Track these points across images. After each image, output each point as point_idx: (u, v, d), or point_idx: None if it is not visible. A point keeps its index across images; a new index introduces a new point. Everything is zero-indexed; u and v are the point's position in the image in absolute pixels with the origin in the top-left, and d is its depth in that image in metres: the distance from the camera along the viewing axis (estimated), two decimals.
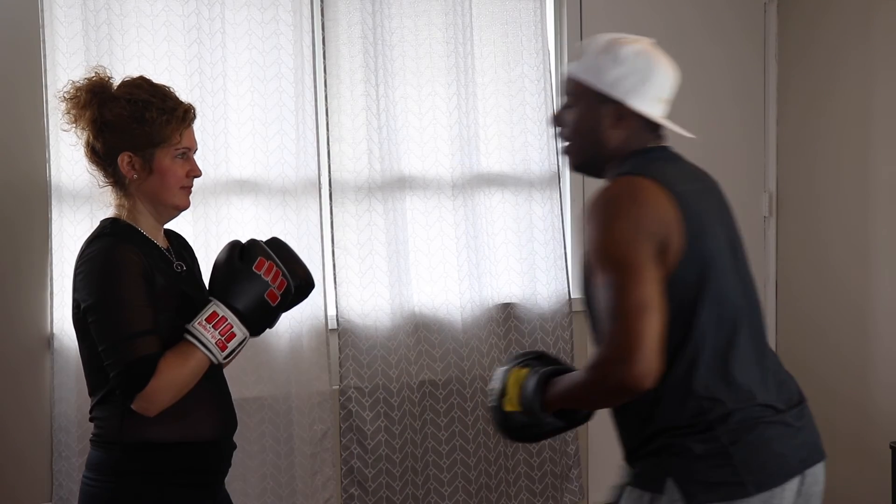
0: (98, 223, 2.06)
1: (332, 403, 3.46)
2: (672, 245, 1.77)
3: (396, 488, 3.51)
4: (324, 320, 3.44)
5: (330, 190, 3.46)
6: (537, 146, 3.67)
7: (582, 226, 1.85)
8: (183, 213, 2.16)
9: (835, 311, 3.85)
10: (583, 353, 3.88)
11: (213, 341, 1.90)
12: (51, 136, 3.13)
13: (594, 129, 1.91)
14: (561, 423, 1.90)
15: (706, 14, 4.03)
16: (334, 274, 3.46)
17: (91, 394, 2.00)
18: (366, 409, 3.48)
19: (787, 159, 4.08)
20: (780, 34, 4.08)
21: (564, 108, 1.97)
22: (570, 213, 3.86)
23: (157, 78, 2.15)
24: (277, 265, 1.98)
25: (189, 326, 1.91)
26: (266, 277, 1.95)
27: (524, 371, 1.91)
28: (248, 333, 1.95)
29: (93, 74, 2.02)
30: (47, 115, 3.14)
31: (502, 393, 1.92)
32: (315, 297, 3.39)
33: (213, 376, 2.04)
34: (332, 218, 3.46)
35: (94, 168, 2.03)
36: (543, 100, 3.67)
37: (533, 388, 1.87)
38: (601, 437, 3.94)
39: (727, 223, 1.92)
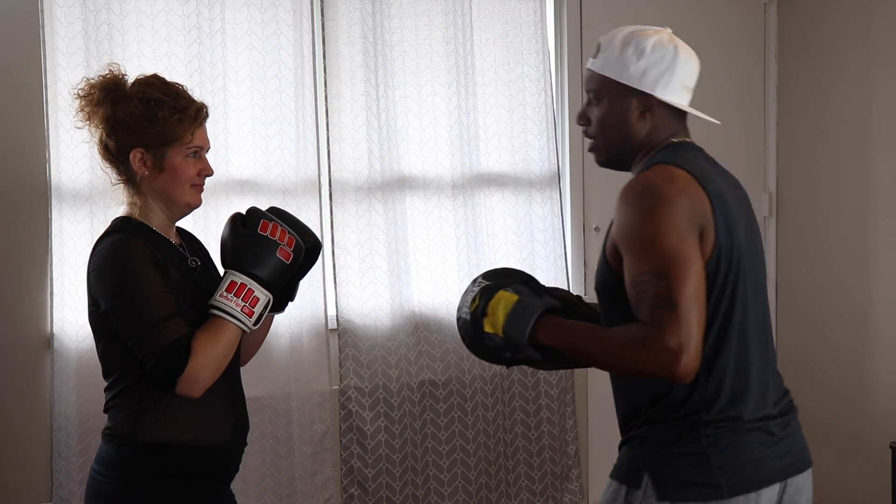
0: (100, 222, 2.06)
1: (332, 403, 3.46)
2: (707, 240, 1.75)
3: (396, 488, 3.51)
4: (324, 320, 3.44)
5: (330, 190, 3.46)
6: (537, 146, 3.67)
7: (616, 212, 1.78)
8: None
9: (835, 312, 3.84)
10: None
11: (239, 309, 1.90)
12: (51, 136, 3.14)
13: (621, 123, 1.90)
14: (539, 357, 1.82)
15: (706, 14, 4.03)
16: (334, 274, 3.47)
17: (107, 389, 2.00)
18: (366, 409, 3.48)
19: (787, 159, 4.08)
20: (780, 34, 4.08)
21: (588, 105, 1.95)
22: (569, 213, 3.86)
23: None
24: (281, 225, 1.98)
25: (212, 301, 1.91)
26: (273, 237, 1.95)
27: (514, 298, 1.81)
28: (270, 296, 1.95)
29: (107, 72, 2.02)
30: (47, 115, 3.14)
31: (482, 311, 1.82)
32: (315, 297, 3.40)
33: (229, 377, 2.03)
34: (332, 218, 3.46)
35: (107, 165, 2.04)
36: (543, 100, 3.67)
37: (526, 323, 1.78)
38: (601, 437, 3.94)
39: (752, 232, 1.88)
